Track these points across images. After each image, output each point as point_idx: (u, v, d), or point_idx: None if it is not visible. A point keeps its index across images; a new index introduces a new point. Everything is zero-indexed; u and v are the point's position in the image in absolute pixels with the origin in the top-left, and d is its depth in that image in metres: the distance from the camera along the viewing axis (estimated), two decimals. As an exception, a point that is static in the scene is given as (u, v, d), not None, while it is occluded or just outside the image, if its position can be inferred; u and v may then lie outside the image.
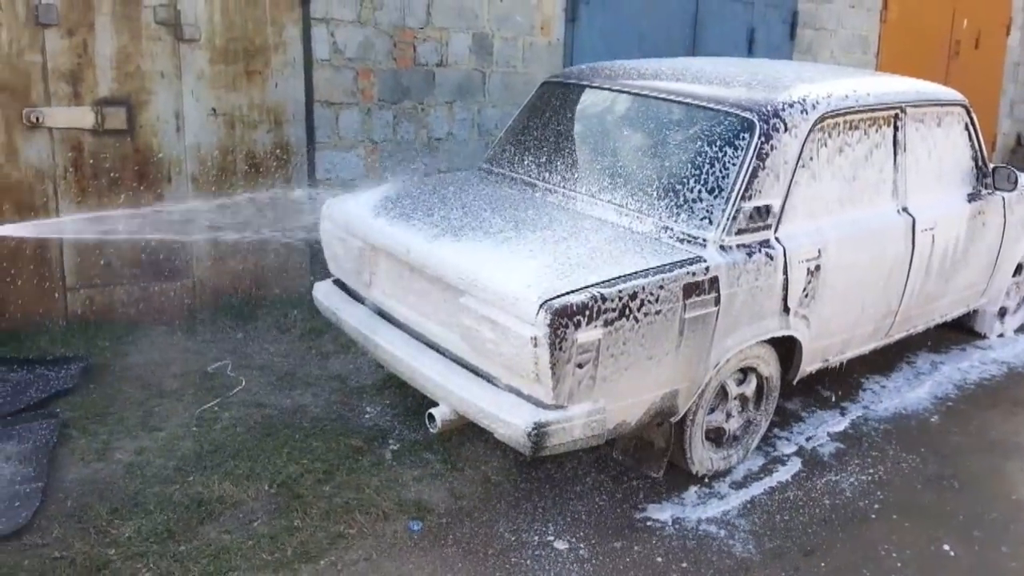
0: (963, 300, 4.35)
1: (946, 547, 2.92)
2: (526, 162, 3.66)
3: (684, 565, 2.83)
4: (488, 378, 2.87)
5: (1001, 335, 4.82)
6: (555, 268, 2.77)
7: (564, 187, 3.42)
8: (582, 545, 2.91)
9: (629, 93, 3.53)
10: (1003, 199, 4.25)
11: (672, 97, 3.37)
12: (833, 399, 4.01)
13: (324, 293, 3.63)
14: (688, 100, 3.32)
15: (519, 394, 2.74)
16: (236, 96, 4.53)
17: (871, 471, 3.40)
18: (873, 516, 3.11)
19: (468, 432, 3.33)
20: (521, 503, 3.13)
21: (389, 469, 3.24)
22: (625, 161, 3.33)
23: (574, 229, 3.11)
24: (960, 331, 4.72)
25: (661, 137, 3.30)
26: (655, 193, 3.16)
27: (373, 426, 3.55)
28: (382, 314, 3.35)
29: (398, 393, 3.83)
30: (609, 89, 3.62)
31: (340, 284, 3.68)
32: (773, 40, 7.45)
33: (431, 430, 2.97)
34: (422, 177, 3.86)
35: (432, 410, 2.95)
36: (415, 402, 3.73)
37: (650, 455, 3.17)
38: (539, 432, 2.63)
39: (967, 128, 4.09)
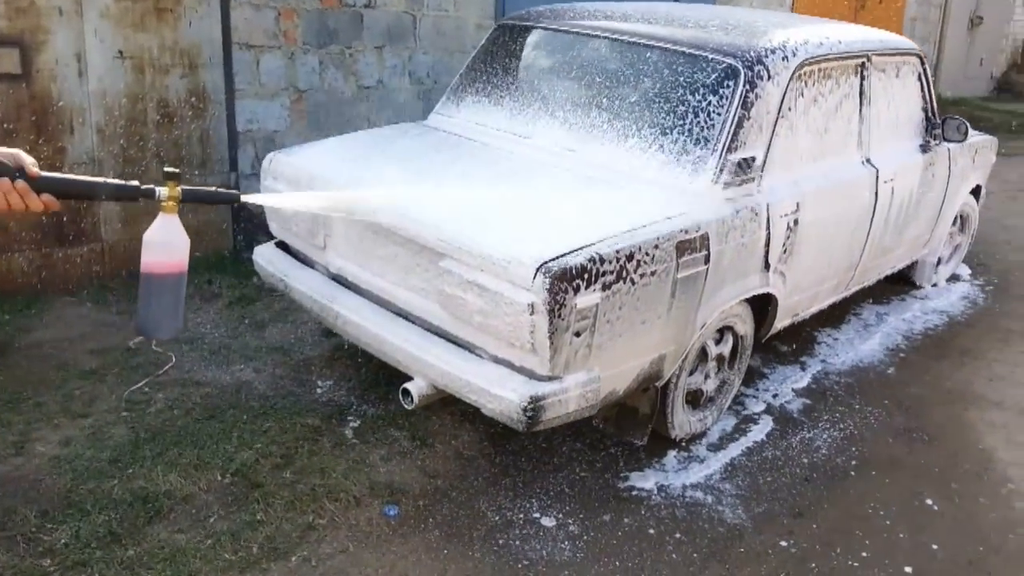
0: (910, 251, 4.39)
1: (928, 501, 2.92)
2: (490, 112, 3.38)
3: (678, 536, 2.71)
4: (470, 348, 2.63)
5: (935, 285, 4.93)
6: (545, 227, 2.55)
7: (536, 139, 3.17)
8: (570, 521, 2.74)
9: (600, 37, 3.29)
10: (949, 150, 4.28)
11: (650, 41, 3.16)
12: (791, 354, 3.98)
13: (268, 258, 3.27)
14: (667, 44, 3.12)
15: (510, 365, 2.52)
16: (145, 37, 4.02)
17: (841, 426, 3.38)
18: (853, 473, 3.08)
19: (433, 404, 3.10)
20: (499, 479, 2.93)
21: (353, 449, 2.97)
22: (602, 110, 3.10)
23: (554, 184, 2.89)
24: (896, 282, 4.78)
25: (640, 84, 3.09)
26: (637, 144, 2.96)
27: (328, 402, 3.26)
28: (339, 280, 3.04)
29: (350, 365, 3.53)
30: (578, 33, 3.37)
31: (284, 247, 3.34)
32: (696, -11, 7.34)
33: (406, 406, 2.71)
34: (371, 129, 3.53)
35: (407, 384, 2.69)
36: (371, 374, 3.45)
37: (633, 422, 3.02)
38: (535, 406, 2.42)
39: (920, 79, 4.07)
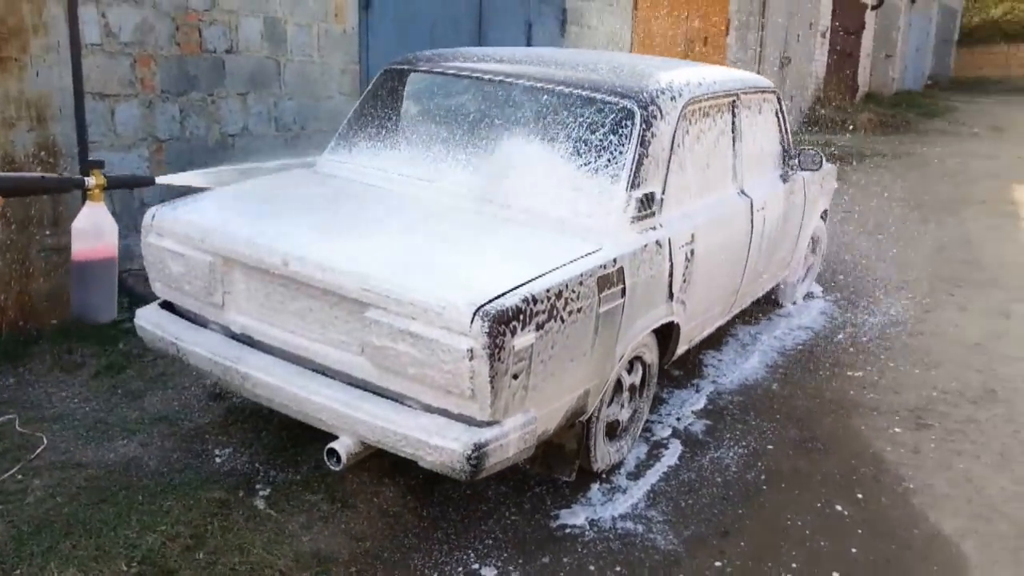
0: (777, 273, 4.70)
1: (838, 508, 3.09)
2: (388, 157, 3.31)
3: (619, 569, 2.71)
4: (399, 399, 2.53)
5: (794, 303, 5.29)
6: (471, 270, 2.51)
7: (441, 183, 3.12)
8: (511, 567, 2.68)
9: (497, 80, 3.32)
10: (803, 179, 4.64)
11: (548, 84, 3.22)
12: (683, 378, 4.12)
13: (154, 321, 3.00)
14: (565, 87, 3.18)
15: (446, 414, 2.44)
16: (-15, 86, 3.64)
17: (744, 443, 3.52)
18: (764, 488, 3.21)
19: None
20: (430, 532, 2.82)
21: (269, 520, 2.75)
22: (506, 153, 3.11)
23: (467, 227, 2.86)
24: (760, 303, 5.07)
25: (542, 126, 3.13)
26: (544, 185, 2.99)
27: (231, 472, 3.02)
28: (241, 339, 2.84)
29: (247, 428, 3.30)
30: (473, 76, 3.38)
31: (169, 307, 3.08)
32: (547, 35, 7.62)
33: (332, 468, 2.56)
34: (259, 178, 3.35)
35: (333, 444, 2.54)
36: (272, 437, 3.24)
37: (561, 459, 3.00)
38: (479, 454, 2.36)
39: (776, 114, 4.39)
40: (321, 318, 2.62)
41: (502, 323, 2.30)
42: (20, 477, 2.85)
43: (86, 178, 1.63)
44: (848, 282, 5.85)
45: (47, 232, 3.95)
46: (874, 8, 19.20)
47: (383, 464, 3.00)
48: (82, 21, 4.00)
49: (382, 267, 2.48)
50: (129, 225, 4.35)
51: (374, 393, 2.56)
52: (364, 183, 3.24)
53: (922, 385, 4.16)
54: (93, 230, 1.65)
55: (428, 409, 2.48)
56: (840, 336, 4.81)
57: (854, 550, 2.84)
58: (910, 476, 3.31)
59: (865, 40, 19.36)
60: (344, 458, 2.52)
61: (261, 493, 2.90)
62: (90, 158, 1.59)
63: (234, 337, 2.84)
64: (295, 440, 3.20)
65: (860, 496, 3.16)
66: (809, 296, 5.49)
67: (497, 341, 2.29)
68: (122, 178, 1.67)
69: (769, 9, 12.91)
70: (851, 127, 14.08)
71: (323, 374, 2.66)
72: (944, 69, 28.74)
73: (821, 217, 5.27)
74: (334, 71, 5.40)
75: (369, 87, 3.63)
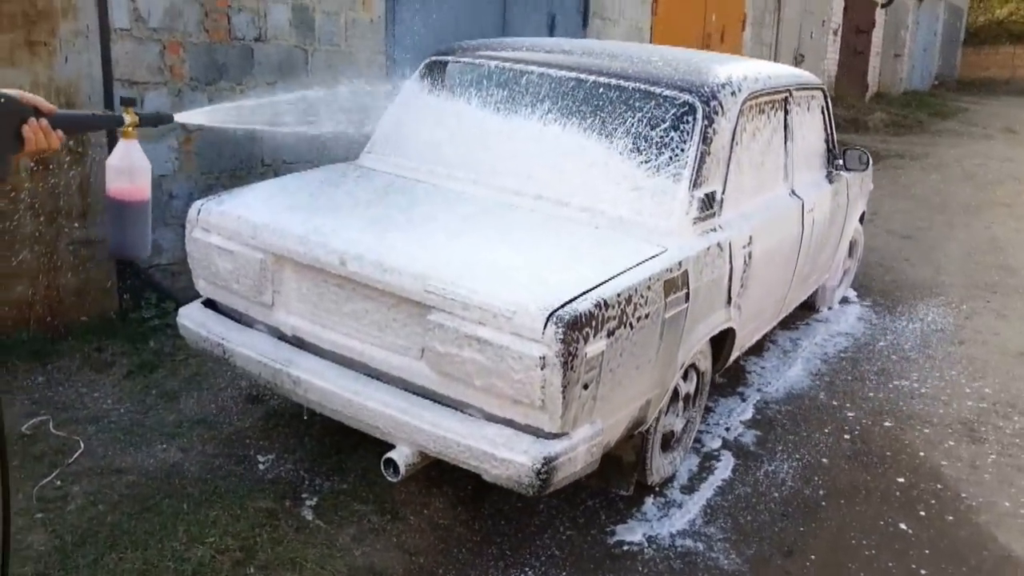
0: (820, 277, 4.58)
1: (902, 526, 2.98)
2: (432, 151, 3.18)
3: (682, 589, 2.59)
4: (460, 408, 2.41)
5: (830, 308, 5.17)
6: (538, 272, 2.38)
7: (494, 179, 3.00)
8: (571, 586, 2.56)
9: (546, 73, 3.19)
10: (846, 180, 4.52)
11: (601, 77, 3.09)
12: (727, 386, 4.01)
13: (198, 320, 2.88)
14: (623, 81, 3.05)
15: (512, 424, 2.32)
16: (15, 73, 3.50)
17: (797, 456, 3.41)
18: (824, 504, 3.10)
19: (376, 469, 2.85)
20: (483, 548, 2.70)
21: (319, 532, 2.64)
22: (562, 149, 2.98)
23: (526, 226, 2.74)
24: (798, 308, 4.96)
25: (600, 121, 3.00)
26: (605, 183, 2.87)
27: (276, 479, 2.90)
28: (291, 340, 2.72)
29: (290, 433, 3.18)
30: (519, 68, 3.25)
31: (212, 306, 2.96)
32: (570, 27, 7.50)
33: (390, 479, 2.45)
34: (300, 173, 3.22)
35: (391, 454, 2.42)
36: (315, 442, 3.12)
37: (618, 471, 2.88)
38: (549, 468, 2.24)
39: (823, 112, 4.27)
40: (378, 320, 2.50)
41: (576, 329, 2.18)
42: (59, 483, 2.73)
43: (124, 115, 1.68)
44: (882, 287, 5.74)
45: (75, 224, 3.82)
46: (884, 6, 19.06)
47: (430, 473, 2.88)
48: (111, 4, 3.86)
49: (445, 267, 2.36)
50: (156, 219, 4.23)
51: (433, 400, 2.44)
52: (412, 179, 3.12)
53: (971, 396, 4.05)
54: (128, 167, 1.70)
55: (491, 419, 2.36)
56: (881, 343, 4.69)
57: (923, 572, 2.73)
58: (971, 493, 3.20)
59: (875, 38, 19.21)
60: (402, 469, 2.40)
61: (308, 503, 2.78)
62: (123, 96, 1.72)
63: (284, 338, 2.72)
64: (338, 446, 3.09)
65: (923, 514, 3.05)
66: (845, 301, 5.37)
67: (570, 348, 2.17)
68: (147, 116, 1.76)
69: (784, 5, 12.78)
70: (867, 127, 13.96)
71: (378, 379, 2.54)
72: (950, 69, 28.63)
73: (859, 220, 5.15)
74: (360, 61, 5.26)
75: (412, 78, 3.51)
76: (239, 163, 4.62)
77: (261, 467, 2.96)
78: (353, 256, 2.45)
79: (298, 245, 2.55)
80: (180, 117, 1.91)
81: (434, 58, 3.50)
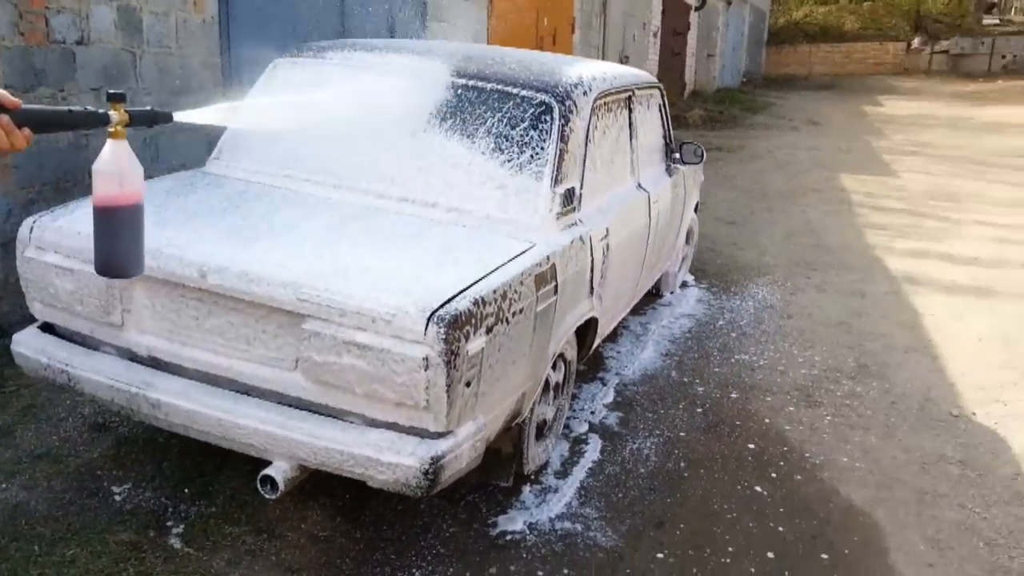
0: (664, 264, 4.84)
1: (758, 488, 3.21)
2: (287, 156, 3.08)
3: (566, 572, 2.67)
4: (338, 416, 2.36)
5: (672, 292, 5.48)
6: (413, 273, 2.38)
7: (355, 182, 2.95)
8: (459, 582, 2.58)
9: (404, 74, 3.17)
10: (682, 172, 4.80)
11: (460, 78, 3.11)
12: (588, 372, 4.16)
13: (36, 346, 2.65)
14: (479, 81, 3.09)
15: (395, 427, 2.30)
16: None
17: (658, 432, 3.60)
18: (686, 475, 3.29)
19: (246, 488, 2.77)
20: (368, 555, 2.66)
21: (190, 560, 2.50)
22: (426, 150, 2.98)
23: (394, 229, 2.71)
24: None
25: (458, 122, 3.02)
26: (469, 183, 2.90)
27: (136, 509, 2.72)
28: (143, 361, 2.55)
29: (144, 459, 2.99)
30: (376, 69, 3.22)
31: (50, 330, 2.73)
32: (410, 29, 7.49)
33: (268, 497, 2.36)
34: (148, 181, 3.01)
35: (268, 471, 2.34)
36: (174, 467, 2.96)
37: (498, 464, 2.92)
38: (436, 467, 2.24)
39: (661, 109, 4.51)
40: (246, 334, 2.40)
41: (456, 328, 2.20)
42: None
43: (110, 113, 1.47)
44: (715, 270, 6.14)
45: None
46: (697, 10, 20.34)
47: (304, 486, 2.80)
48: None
49: (318, 274, 2.31)
50: (-29, 238, 3.84)
51: (310, 411, 2.38)
52: (268, 185, 3.01)
53: (803, 365, 4.43)
54: (118, 171, 1.51)
55: (374, 424, 2.33)
56: (721, 322, 5.03)
57: (781, 528, 2.96)
58: (814, 452, 3.50)
59: (690, 40, 20.47)
60: (282, 485, 2.32)
61: (175, 530, 2.63)
62: (111, 91, 1.47)
63: (137, 360, 2.55)
64: (201, 468, 2.94)
65: (774, 476, 3.31)
66: (685, 285, 5.70)
67: (453, 348, 2.19)
68: (143, 113, 1.55)
69: (609, 9, 13.35)
70: (687, 123, 14.84)
71: (248, 394, 2.44)
72: (756, 67, 30.95)
73: (694, 209, 5.49)
74: (194, 64, 5.01)
75: (259, 81, 3.39)
76: (63, 174, 4.27)
77: (118, 498, 2.77)
78: (214, 268, 2.34)
79: (150, 259, 2.39)
80: (179, 116, 1.68)
81: (283, 59, 3.39)
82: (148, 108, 1.61)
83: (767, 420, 3.77)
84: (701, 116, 16.29)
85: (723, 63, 24.98)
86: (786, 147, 13.04)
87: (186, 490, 2.84)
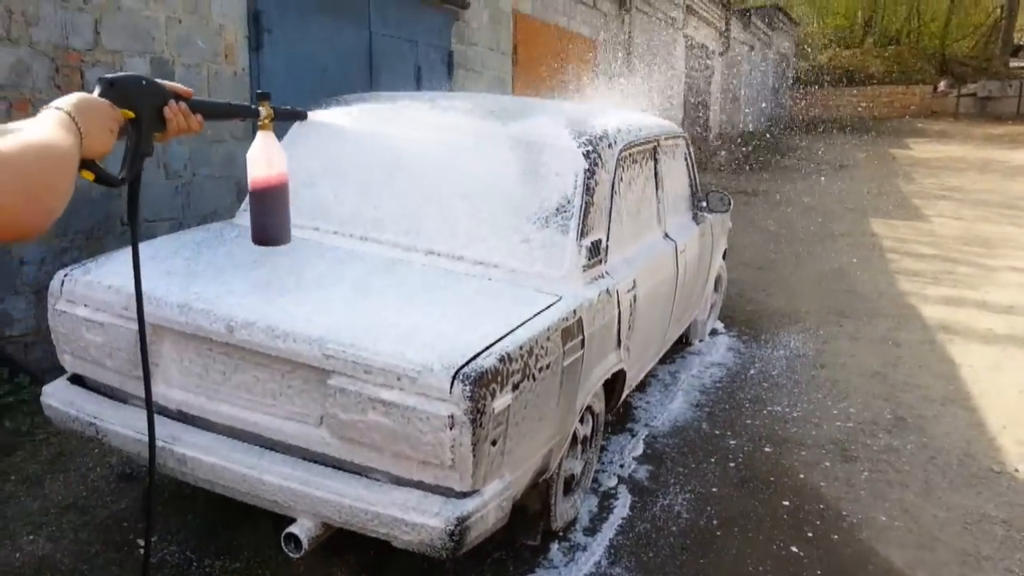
0: (692, 312, 4.79)
1: (793, 548, 3.11)
2: (315, 209, 3.10)
3: (596, 635, 2.60)
4: (363, 473, 2.33)
5: (701, 340, 5.41)
6: (439, 328, 2.36)
7: (381, 236, 2.96)
8: (486, 645, 2.51)
9: (430, 127, 3.20)
10: (709, 220, 4.77)
11: (485, 131, 3.13)
12: (616, 423, 4.09)
13: (65, 399, 2.66)
14: (504, 134, 3.11)
15: (421, 486, 2.27)
16: None
17: (689, 487, 3.51)
18: (719, 533, 3.19)
19: (271, 543, 2.72)
20: (393, 614, 2.61)
21: (215, 617, 2.47)
22: (452, 202, 2.99)
23: (420, 283, 2.70)
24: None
25: (483, 174, 3.03)
26: (494, 236, 2.89)
27: (161, 563, 2.70)
28: (171, 415, 2.55)
29: (170, 512, 2.98)
30: (401, 123, 3.25)
31: (79, 381, 2.74)
32: (435, 78, 7.59)
33: (292, 555, 2.32)
34: (175, 234, 3.05)
35: (292, 528, 2.30)
36: (199, 519, 2.94)
37: (525, 521, 2.86)
38: (462, 528, 2.20)
39: (686, 158, 4.51)
40: (272, 389, 2.39)
41: (482, 386, 2.17)
42: (-97, 594, 2.42)
43: (260, 108, 1.77)
44: (745, 317, 6.07)
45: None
46: (721, 55, 20.50)
47: (329, 542, 2.76)
48: (-51, 62, 3.58)
49: (344, 330, 2.29)
50: (6, 287, 3.90)
51: (335, 468, 2.35)
52: (296, 237, 3.01)
53: (838, 417, 4.32)
54: (266, 157, 1.82)
55: (399, 482, 2.29)
56: (752, 371, 4.94)
57: (818, 591, 2.86)
58: (851, 510, 3.39)
59: (714, 84, 20.59)
60: (305, 543, 2.29)
61: (202, 586, 2.60)
62: (259, 91, 1.90)
63: (165, 413, 2.55)
64: (227, 522, 2.92)
65: (810, 535, 3.21)
66: (714, 332, 5.64)
67: (478, 406, 2.15)
68: (282, 111, 1.87)
69: (632, 56, 13.48)
70: (713, 167, 14.85)
71: (274, 449, 2.42)
72: (782, 111, 31.03)
73: (723, 256, 5.44)
74: (228, 115, 5.10)
75: (286, 136, 3.42)
76: (96, 224, 4.34)
77: (143, 552, 2.74)
78: (241, 323, 2.34)
79: (178, 314, 2.41)
80: (313, 115, 2.05)
81: (311, 112, 3.43)
82: (288, 107, 1.95)
83: (802, 475, 3.67)
84: (727, 160, 16.31)
85: (748, 107, 25.08)
86: (814, 191, 12.98)
87: (212, 545, 2.81)
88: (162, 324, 2.46)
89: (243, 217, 3.24)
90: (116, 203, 4.48)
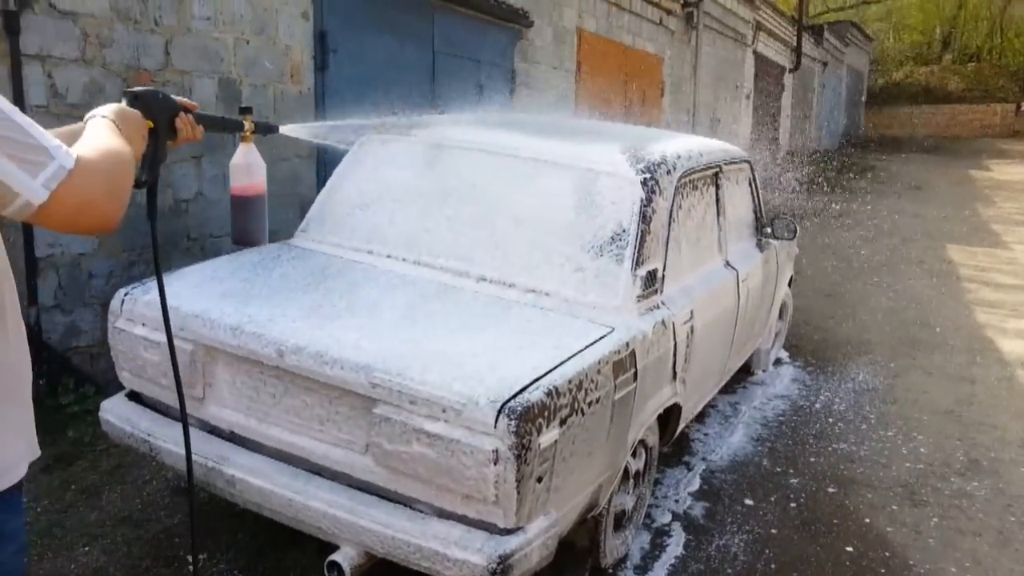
0: (755, 342, 4.65)
1: (855, 596, 2.97)
2: (371, 231, 3.11)
3: None
4: (407, 504, 2.30)
5: (765, 370, 5.24)
6: (487, 359, 2.32)
7: (434, 260, 2.94)
8: None
9: (486, 151, 3.18)
10: (775, 246, 4.63)
11: (542, 156, 3.09)
12: (672, 455, 3.98)
13: (122, 415, 2.71)
14: (560, 159, 3.07)
15: (464, 520, 2.22)
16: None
17: (747, 528, 3.38)
18: (776, 578, 3.07)
19: (316, 566, 2.70)
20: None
21: (257, 640, 2.46)
22: (506, 228, 2.96)
23: (469, 309, 2.67)
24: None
25: (538, 200, 3.00)
26: (547, 264, 2.84)
27: (207, 582, 2.71)
28: (222, 435, 2.57)
29: (222, 529, 3.00)
30: (458, 146, 3.24)
31: (136, 397, 2.79)
32: (497, 97, 7.61)
33: (334, 583, 2.30)
34: (233, 255, 3.10)
35: (335, 556, 2.28)
36: (249, 538, 2.95)
37: (572, 558, 2.79)
38: (504, 566, 2.14)
39: (750, 184, 4.39)
40: (320, 414, 2.38)
41: (528, 421, 2.12)
42: (-39, 602, 2.48)
43: (243, 121, 1.97)
44: (812, 346, 5.87)
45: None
46: (792, 71, 20.10)
47: (373, 568, 2.74)
48: (27, 81, 3.72)
49: (390, 358, 2.27)
50: (75, 299, 4.02)
51: (379, 496, 2.33)
52: (349, 260, 3.04)
53: (907, 457, 4.12)
54: (247, 167, 2.04)
55: (442, 514, 2.25)
56: (817, 405, 4.77)
57: (881, 645, 2.71)
58: (918, 559, 3.21)
59: (784, 101, 20.20)
60: (348, 572, 2.26)
61: (246, 608, 2.61)
62: (241, 105, 2.10)
63: (216, 433, 2.57)
64: (275, 542, 2.92)
65: (875, 584, 3.05)
66: (778, 362, 5.46)
67: (524, 441, 2.10)
68: (260, 125, 2.08)
69: (699, 72, 13.31)
70: (781, 187, 14.52)
71: (320, 475, 2.41)
72: (855, 128, 30.27)
73: (788, 284, 5.28)
74: (292, 134, 5.18)
75: (347, 156, 3.45)
76: (163, 238, 4.45)
77: (191, 569, 2.77)
78: (291, 348, 2.34)
79: (231, 337, 2.43)
80: (285, 129, 2.19)
81: (370, 136, 3.45)
82: (266, 121, 2.12)
83: (867, 519, 3.50)
84: (796, 179, 15.92)
85: (819, 124, 24.54)
86: (887, 213, 12.57)
87: (259, 565, 2.82)
88: (215, 346, 2.49)
89: (301, 238, 3.27)
90: (183, 219, 4.60)
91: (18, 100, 3.67)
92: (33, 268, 3.81)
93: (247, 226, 2.05)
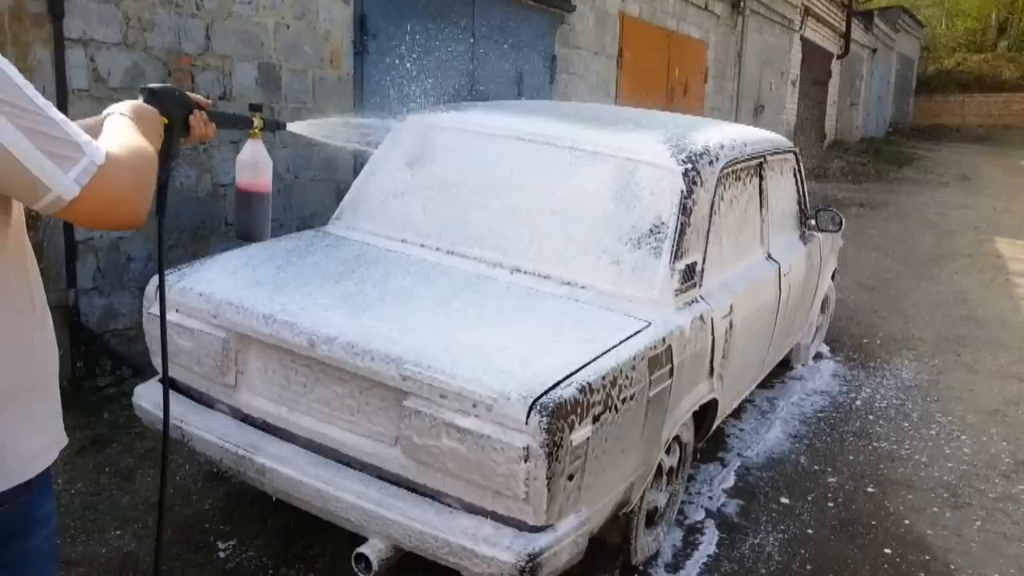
0: (796, 336, 4.54)
1: (893, 602, 2.89)
2: (405, 220, 3.08)
3: None
4: (437, 497, 2.27)
5: (804, 364, 5.13)
6: (520, 353, 2.27)
7: (470, 250, 2.91)
8: None
9: (523, 139, 3.12)
10: (818, 239, 4.51)
11: (579, 145, 3.03)
12: (707, 451, 3.91)
13: (155, 400, 2.71)
14: (599, 149, 3.00)
15: (494, 516, 2.19)
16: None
17: (782, 527, 3.31)
18: (812, 580, 3.00)
19: (345, 555, 2.69)
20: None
21: (286, 628, 2.47)
22: (542, 218, 2.91)
23: (503, 301, 2.63)
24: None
25: (575, 190, 2.94)
26: (584, 256, 2.79)
27: (236, 569, 2.73)
28: (254, 423, 2.57)
29: (252, 516, 3.01)
30: (495, 134, 3.19)
31: (170, 383, 2.80)
32: (537, 82, 7.53)
33: (362, 575, 2.29)
34: (269, 242, 3.09)
35: (362, 549, 2.27)
36: (279, 526, 2.95)
37: (602, 556, 2.75)
38: (533, 564, 2.11)
39: (795, 174, 4.27)
40: (350, 405, 2.37)
41: (560, 417, 2.07)
42: (-2, 581, 2.52)
43: (252, 118, 1.96)
44: (853, 341, 5.73)
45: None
46: (839, 58, 19.64)
47: (402, 560, 2.73)
48: (69, 65, 3.74)
49: (422, 350, 2.24)
50: (113, 282, 4.07)
51: (408, 489, 2.31)
52: (383, 248, 3.01)
53: (950, 457, 4.00)
54: (254, 163, 2.01)
55: (471, 509, 2.23)
56: (858, 402, 4.65)
57: (920, 654, 2.63)
58: (960, 564, 3.12)
59: (832, 88, 19.76)
60: (375, 565, 2.25)
61: (277, 595, 2.61)
62: (251, 103, 2.08)
63: (248, 421, 2.57)
64: (304, 530, 2.92)
65: (914, 589, 2.97)
66: (819, 356, 5.34)
67: (555, 438, 2.06)
68: (269, 122, 2.04)
69: (744, 58, 13.05)
70: (826, 175, 14.23)
71: (349, 466, 2.39)
72: (904, 117, 29.52)
73: (831, 277, 5.15)
74: (329, 119, 5.17)
75: (383, 144, 3.42)
76: (200, 223, 4.48)
77: (221, 555, 2.79)
78: (323, 338, 2.32)
79: (263, 325, 2.42)
80: (292, 127, 2.23)
81: (407, 121, 3.42)
82: (273, 119, 2.14)
83: (907, 521, 3.40)
84: (841, 168, 15.60)
85: (867, 112, 23.98)
86: (935, 205, 12.25)
87: (288, 552, 2.82)
88: (248, 334, 2.48)
89: (335, 225, 3.26)
90: (220, 204, 4.62)
91: (60, 84, 3.70)
92: (73, 251, 3.86)
93: (250, 222, 2.03)
